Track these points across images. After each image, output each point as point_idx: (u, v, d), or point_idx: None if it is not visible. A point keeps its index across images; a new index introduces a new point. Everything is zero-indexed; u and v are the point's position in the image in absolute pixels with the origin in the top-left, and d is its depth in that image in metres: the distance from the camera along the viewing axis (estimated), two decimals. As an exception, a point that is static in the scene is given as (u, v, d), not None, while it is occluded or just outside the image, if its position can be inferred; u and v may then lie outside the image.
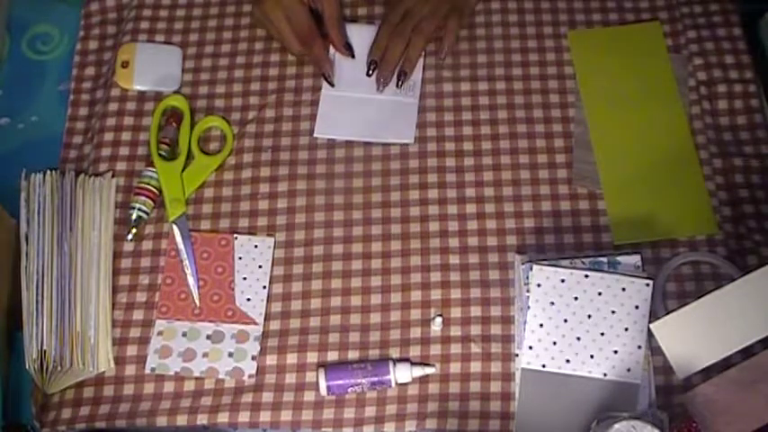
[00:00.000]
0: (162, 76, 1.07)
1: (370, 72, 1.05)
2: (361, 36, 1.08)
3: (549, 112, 1.05)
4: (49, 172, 0.99)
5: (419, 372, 0.92)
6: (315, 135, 1.04)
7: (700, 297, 0.90)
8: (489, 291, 0.96)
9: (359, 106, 1.05)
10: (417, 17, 1.05)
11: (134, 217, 0.99)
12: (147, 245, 0.99)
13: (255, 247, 0.98)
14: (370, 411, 0.91)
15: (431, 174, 1.02)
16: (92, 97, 1.08)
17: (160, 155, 1.02)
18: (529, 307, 0.92)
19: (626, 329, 0.91)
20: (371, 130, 1.04)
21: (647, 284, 0.92)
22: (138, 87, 1.07)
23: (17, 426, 0.90)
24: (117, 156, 1.03)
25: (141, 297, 0.97)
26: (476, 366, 0.92)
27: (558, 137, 1.03)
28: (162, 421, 0.91)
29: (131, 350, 0.94)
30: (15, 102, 1.09)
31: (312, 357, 0.93)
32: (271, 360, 0.93)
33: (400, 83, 1.04)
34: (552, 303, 0.92)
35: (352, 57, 1.07)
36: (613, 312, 0.91)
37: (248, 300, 0.96)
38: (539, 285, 0.92)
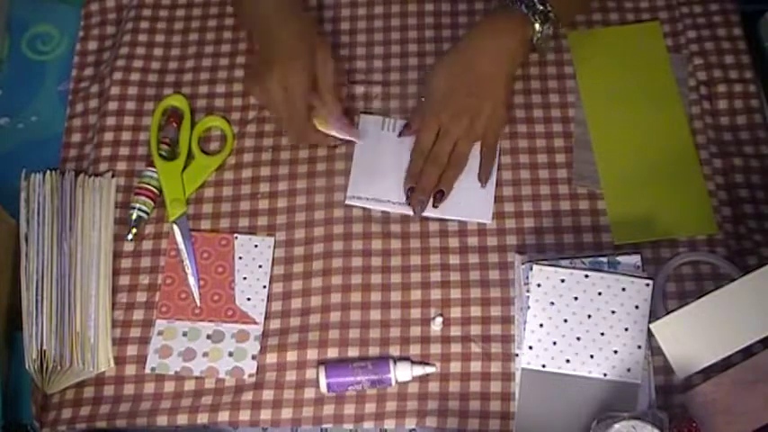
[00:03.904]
0: None
1: (408, 201, 0.99)
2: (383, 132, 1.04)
3: (548, 112, 1.05)
4: (49, 172, 0.99)
5: (419, 371, 0.92)
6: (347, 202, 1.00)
7: (700, 297, 0.90)
8: (489, 291, 0.96)
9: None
10: (454, 138, 0.99)
11: (134, 217, 0.99)
12: (147, 245, 0.99)
13: (255, 246, 0.99)
14: (370, 408, 0.91)
15: (431, 173, 1.02)
16: (91, 97, 1.08)
17: (160, 155, 1.02)
18: (529, 307, 0.92)
19: (626, 329, 0.91)
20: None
21: (647, 284, 0.92)
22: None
23: (17, 426, 0.90)
24: (117, 156, 1.03)
25: (141, 297, 0.97)
26: (476, 366, 0.92)
27: (558, 137, 1.03)
28: (162, 421, 0.91)
29: (131, 350, 0.94)
30: (15, 102, 1.09)
31: (312, 355, 0.93)
32: (271, 358, 0.93)
33: (437, 204, 0.98)
34: (552, 303, 0.92)
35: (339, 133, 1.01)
36: (613, 312, 0.91)
37: (248, 299, 0.96)
38: (539, 285, 0.92)
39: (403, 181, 1.00)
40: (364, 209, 1.00)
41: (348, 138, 1.01)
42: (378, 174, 1.01)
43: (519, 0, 0.99)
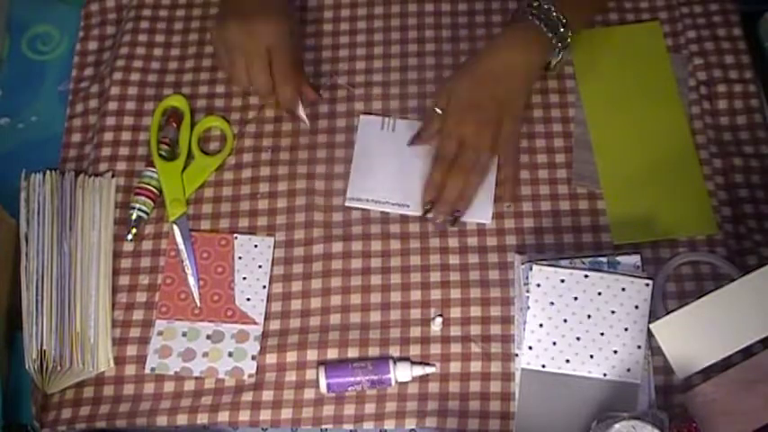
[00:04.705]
0: None
1: (427, 214, 0.98)
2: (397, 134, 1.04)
3: (548, 112, 1.05)
4: (48, 172, 0.99)
5: (419, 371, 0.92)
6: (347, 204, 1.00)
7: (700, 297, 0.90)
8: (489, 291, 0.96)
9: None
10: (478, 150, 0.97)
11: (134, 217, 0.99)
12: (147, 245, 0.99)
13: (255, 246, 0.99)
14: (369, 408, 0.91)
15: (431, 173, 1.02)
16: (91, 97, 1.08)
17: (160, 155, 1.02)
18: (528, 307, 0.92)
19: (626, 329, 0.91)
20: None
21: (647, 284, 0.92)
22: None
23: (17, 426, 0.90)
24: (117, 156, 1.03)
25: (141, 297, 0.97)
26: (476, 366, 0.92)
27: (557, 137, 1.03)
28: (162, 421, 0.91)
29: (131, 350, 0.94)
30: (15, 102, 1.09)
31: (312, 355, 0.93)
32: (271, 359, 0.93)
33: (453, 225, 0.98)
34: (552, 303, 0.92)
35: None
36: (613, 312, 0.91)
37: (248, 299, 0.96)
38: (538, 285, 0.92)
39: (401, 181, 1.00)
40: (363, 210, 1.00)
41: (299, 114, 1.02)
42: (377, 175, 1.01)
43: (544, 23, 0.97)
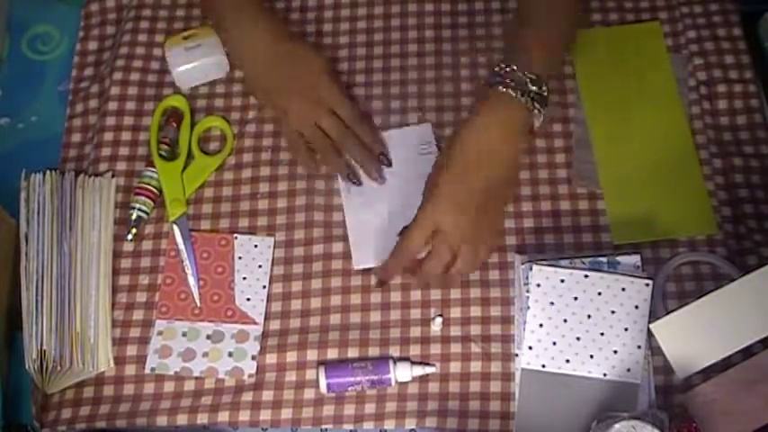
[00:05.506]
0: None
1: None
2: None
3: (548, 112, 1.04)
4: (48, 172, 0.99)
5: (419, 371, 0.92)
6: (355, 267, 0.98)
7: (700, 297, 0.90)
8: (489, 291, 0.96)
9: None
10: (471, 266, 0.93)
11: (134, 217, 0.99)
12: (147, 245, 0.99)
13: (255, 246, 0.99)
14: (369, 408, 0.91)
15: (431, 173, 1.02)
16: (91, 97, 1.08)
17: (160, 155, 1.02)
18: (528, 307, 0.92)
19: (626, 329, 0.91)
20: None
21: (647, 284, 0.92)
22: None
23: (17, 426, 0.90)
24: (117, 156, 1.03)
25: (141, 297, 0.97)
26: (476, 366, 0.92)
27: (557, 137, 1.03)
28: (162, 421, 0.91)
29: (131, 350, 0.94)
30: (15, 102, 1.09)
31: (312, 355, 0.93)
32: (271, 359, 0.93)
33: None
34: (552, 303, 0.92)
35: (388, 164, 1.00)
36: (613, 312, 0.91)
37: (248, 299, 0.96)
38: (538, 285, 0.92)
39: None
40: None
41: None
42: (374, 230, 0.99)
43: (520, 92, 0.88)
